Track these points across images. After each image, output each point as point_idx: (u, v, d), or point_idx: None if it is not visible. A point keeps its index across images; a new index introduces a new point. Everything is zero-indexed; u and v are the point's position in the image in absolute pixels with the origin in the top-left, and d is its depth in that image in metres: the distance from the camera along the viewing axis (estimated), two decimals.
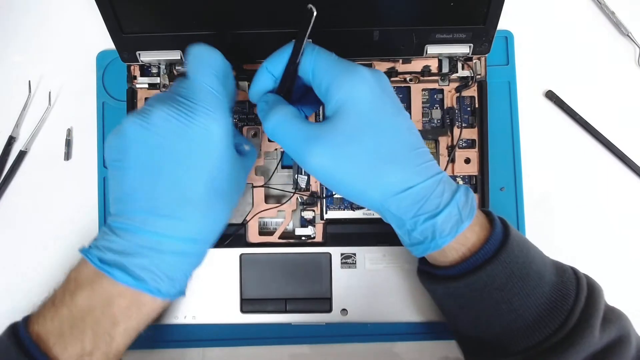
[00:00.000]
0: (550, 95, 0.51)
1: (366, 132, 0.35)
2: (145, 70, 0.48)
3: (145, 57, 0.45)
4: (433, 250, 0.37)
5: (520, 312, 0.35)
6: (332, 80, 0.36)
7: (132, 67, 0.47)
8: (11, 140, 0.52)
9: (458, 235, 0.36)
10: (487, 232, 0.37)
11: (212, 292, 0.46)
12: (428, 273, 0.40)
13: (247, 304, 0.46)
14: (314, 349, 0.49)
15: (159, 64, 0.46)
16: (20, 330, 0.34)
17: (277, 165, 0.47)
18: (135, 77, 0.47)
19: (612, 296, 0.49)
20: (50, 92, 0.52)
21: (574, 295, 0.35)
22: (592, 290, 0.36)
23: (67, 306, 0.35)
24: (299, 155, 0.36)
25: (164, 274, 0.36)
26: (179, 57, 0.45)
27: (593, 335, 0.34)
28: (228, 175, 0.37)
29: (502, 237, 0.37)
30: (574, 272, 0.38)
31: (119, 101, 0.50)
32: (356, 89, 0.35)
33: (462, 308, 0.38)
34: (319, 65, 0.37)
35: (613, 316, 0.36)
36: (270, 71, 0.39)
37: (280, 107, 0.37)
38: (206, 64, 0.37)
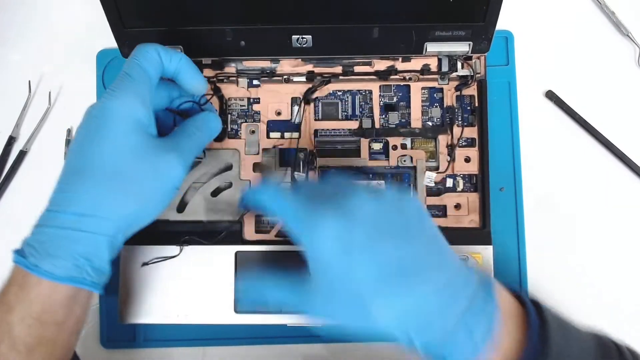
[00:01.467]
0: (550, 96, 0.50)
1: (336, 291, 0.32)
2: None
3: None
4: None
5: None
6: (298, 231, 0.34)
7: None
8: (11, 140, 0.52)
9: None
10: (517, 352, 0.32)
11: (205, 290, 0.45)
12: None
13: (242, 304, 0.45)
14: (316, 349, 0.48)
15: None
16: None
17: (276, 159, 0.47)
18: None
19: (613, 296, 0.49)
20: (50, 92, 0.52)
21: None
22: None
23: None
24: (303, 314, 0.35)
25: (44, 250, 0.34)
26: (180, 52, 0.45)
27: None
28: (128, 154, 0.36)
29: (537, 356, 0.31)
30: (618, 350, 0.34)
31: None
32: (316, 247, 0.33)
33: None
34: (285, 214, 0.35)
35: None
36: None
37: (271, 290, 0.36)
38: (133, 57, 0.38)
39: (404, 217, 0.34)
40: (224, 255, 0.45)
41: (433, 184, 0.46)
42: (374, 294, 0.31)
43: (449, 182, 0.47)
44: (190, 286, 0.45)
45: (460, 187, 0.47)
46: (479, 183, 0.46)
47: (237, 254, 0.45)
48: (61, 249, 0.34)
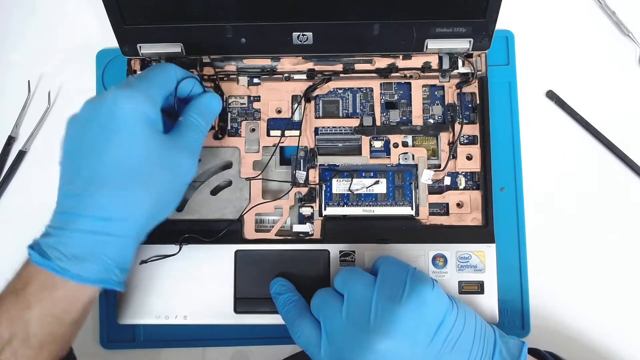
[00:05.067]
0: (551, 95, 0.50)
1: None
2: (145, 65, 0.47)
3: (146, 49, 0.45)
4: None
5: None
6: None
7: (132, 62, 0.47)
8: (11, 140, 0.51)
9: None
10: None
11: (205, 290, 0.45)
12: None
13: (241, 304, 0.45)
14: None
15: (160, 58, 0.46)
16: None
17: (272, 156, 0.47)
18: (135, 72, 0.47)
19: (613, 296, 0.48)
20: (49, 92, 0.52)
21: None
22: None
23: None
24: None
25: (70, 253, 0.34)
26: (180, 50, 0.45)
27: None
28: (143, 154, 0.36)
29: None
30: None
31: None
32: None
33: None
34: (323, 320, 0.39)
35: None
36: None
37: None
38: (153, 66, 0.40)
39: (441, 322, 0.37)
40: (223, 254, 0.45)
41: (431, 182, 0.46)
42: None
43: (447, 180, 0.46)
44: (190, 285, 0.45)
45: (462, 185, 0.46)
46: (482, 180, 0.46)
47: (237, 252, 0.45)
48: (88, 253, 0.35)
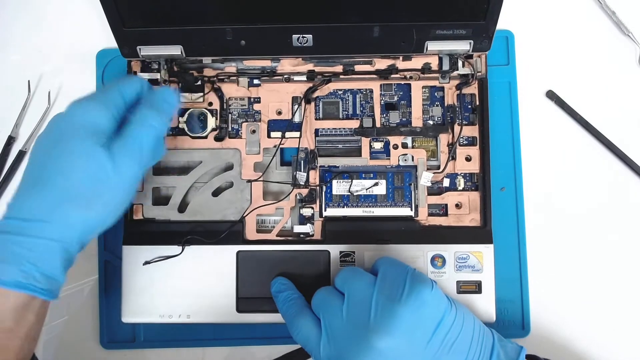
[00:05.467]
0: (551, 95, 0.50)
1: None
2: (145, 66, 0.47)
3: (146, 51, 0.45)
4: None
5: None
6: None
7: (132, 63, 0.47)
8: (11, 141, 0.51)
9: None
10: None
11: (208, 290, 0.45)
12: None
13: (244, 303, 0.45)
14: None
15: (159, 59, 0.46)
16: None
17: (272, 158, 0.47)
18: (135, 73, 0.47)
19: (614, 296, 0.49)
20: (49, 92, 0.52)
21: None
22: None
23: None
24: None
25: None
26: (180, 52, 0.45)
27: None
28: (80, 163, 0.35)
29: None
30: None
31: None
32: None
33: None
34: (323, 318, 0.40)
35: None
36: None
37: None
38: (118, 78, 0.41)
39: (439, 325, 0.38)
40: (225, 255, 0.46)
41: (430, 184, 0.46)
42: None
43: (446, 182, 0.47)
44: (192, 285, 0.45)
45: (461, 186, 0.47)
46: (480, 182, 0.46)
47: (238, 253, 0.45)
48: (8, 254, 0.33)
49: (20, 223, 0.34)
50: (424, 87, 0.48)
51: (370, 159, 0.47)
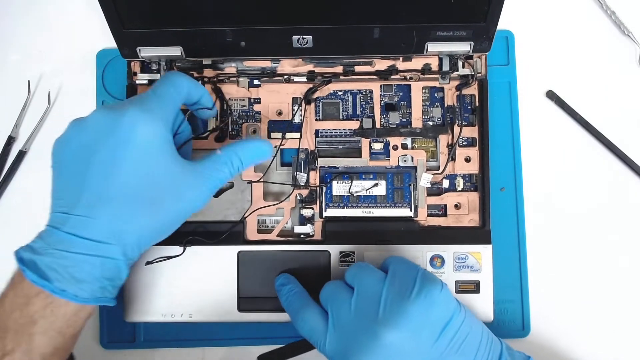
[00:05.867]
0: (551, 95, 0.50)
1: None
2: (145, 67, 0.47)
3: (146, 52, 0.45)
4: None
5: None
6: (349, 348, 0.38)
7: (132, 64, 0.47)
8: (11, 140, 0.52)
9: None
10: None
11: (209, 290, 0.46)
12: None
13: (245, 302, 0.46)
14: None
15: (159, 60, 0.46)
16: None
17: (273, 159, 0.47)
18: (135, 74, 0.47)
19: (614, 296, 0.49)
20: (49, 92, 0.52)
21: None
22: None
23: None
24: None
25: (69, 274, 0.34)
26: (179, 53, 0.45)
27: None
28: (155, 180, 0.36)
29: None
30: None
31: (119, 100, 0.50)
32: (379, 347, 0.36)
33: None
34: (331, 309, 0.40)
35: None
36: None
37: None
38: (167, 81, 0.39)
39: (449, 324, 0.38)
40: (226, 255, 0.46)
41: (429, 185, 0.47)
42: None
43: (445, 183, 0.47)
44: (194, 285, 0.46)
45: (461, 186, 0.47)
46: (479, 182, 0.47)
47: (239, 253, 0.46)
48: (87, 274, 0.35)
49: (94, 244, 0.35)
50: (423, 87, 0.48)
51: (370, 159, 0.47)
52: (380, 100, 0.48)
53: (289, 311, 0.43)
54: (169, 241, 0.44)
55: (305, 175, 0.47)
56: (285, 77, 0.47)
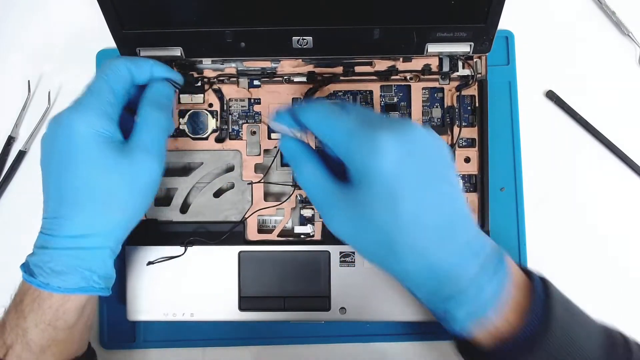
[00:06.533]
0: (551, 95, 0.50)
1: (381, 210, 0.33)
2: None
3: (145, 53, 0.45)
4: (452, 332, 0.35)
5: None
6: (346, 145, 0.34)
7: None
8: (10, 140, 0.52)
9: (483, 320, 0.34)
10: (521, 315, 0.33)
11: (211, 289, 0.46)
12: (462, 342, 0.37)
13: (246, 302, 0.46)
14: (314, 350, 0.49)
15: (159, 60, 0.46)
16: None
17: (273, 159, 0.47)
18: None
19: (614, 297, 0.49)
20: (49, 92, 0.52)
21: None
22: None
23: (3, 308, 0.39)
24: (322, 216, 0.37)
25: (50, 269, 0.37)
26: (179, 54, 0.45)
27: None
28: (103, 173, 0.37)
29: (541, 319, 0.33)
30: (625, 341, 0.35)
31: None
32: (371, 163, 0.33)
33: None
34: (337, 130, 0.35)
35: None
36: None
37: (305, 167, 0.37)
38: (101, 72, 0.39)
39: (447, 165, 0.35)
40: (227, 255, 0.46)
41: None
42: (407, 234, 0.33)
43: None
44: (195, 285, 0.46)
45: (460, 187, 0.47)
46: (478, 183, 0.47)
47: (240, 253, 0.46)
48: (66, 267, 0.37)
49: (67, 240, 0.37)
50: (423, 88, 0.48)
51: None
52: (380, 101, 0.48)
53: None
54: (171, 242, 0.46)
55: None
56: (285, 77, 0.47)
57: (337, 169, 0.37)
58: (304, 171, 0.37)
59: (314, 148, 0.40)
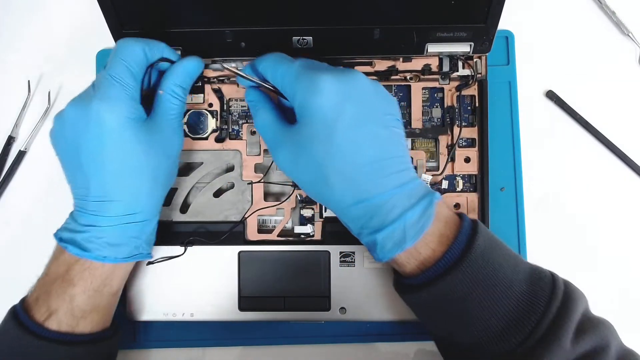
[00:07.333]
0: (551, 95, 0.50)
1: (317, 144, 0.37)
2: None
3: None
4: (380, 262, 0.38)
5: (486, 322, 0.35)
6: (293, 87, 0.38)
7: None
8: (10, 140, 0.52)
9: (409, 249, 0.36)
10: (445, 245, 0.36)
11: (211, 289, 0.46)
12: (398, 281, 0.41)
13: (246, 302, 0.46)
14: (314, 350, 0.49)
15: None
16: (18, 304, 0.41)
17: (273, 162, 0.47)
18: None
19: (614, 297, 0.49)
20: (49, 92, 0.52)
21: (544, 305, 0.34)
22: (567, 299, 0.35)
23: (43, 277, 0.41)
24: (272, 155, 0.41)
25: (105, 242, 0.39)
26: (179, 54, 0.45)
27: (561, 347, 0.33)
28: (138, 151, 0.39)
29: (463, 247, 0.36)
30: (553, 279, 0.36)
31: None
32: (311, 100, 0.37)
33: (430, 317, 0.39)
34: (287, 74, 0.39)
35: (590, 326, 0.35)
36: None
37: (261, 112, 0.42)
38: (118, 55, 0.40)
39: (386, 112, 0.38)
40: (227, 255, 0.46)
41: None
42: (339, 166, 0.37)
43: (445, 184, 0.47)
44: (195, 285, 0.46)
45: (460, 187, 0.47)
46: (478, 183, 0.47)
47: (240, 253, 0.46)
48: (120, 239, 0.40)
49: (116, 218, 0.39)
50: (423, 88, 0.48)
51: None
52: None
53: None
54: (171, 242, 0.46)
55: None
56: None
57: (292, 118, 0.41)
58: (260, 116, 0.42)
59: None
